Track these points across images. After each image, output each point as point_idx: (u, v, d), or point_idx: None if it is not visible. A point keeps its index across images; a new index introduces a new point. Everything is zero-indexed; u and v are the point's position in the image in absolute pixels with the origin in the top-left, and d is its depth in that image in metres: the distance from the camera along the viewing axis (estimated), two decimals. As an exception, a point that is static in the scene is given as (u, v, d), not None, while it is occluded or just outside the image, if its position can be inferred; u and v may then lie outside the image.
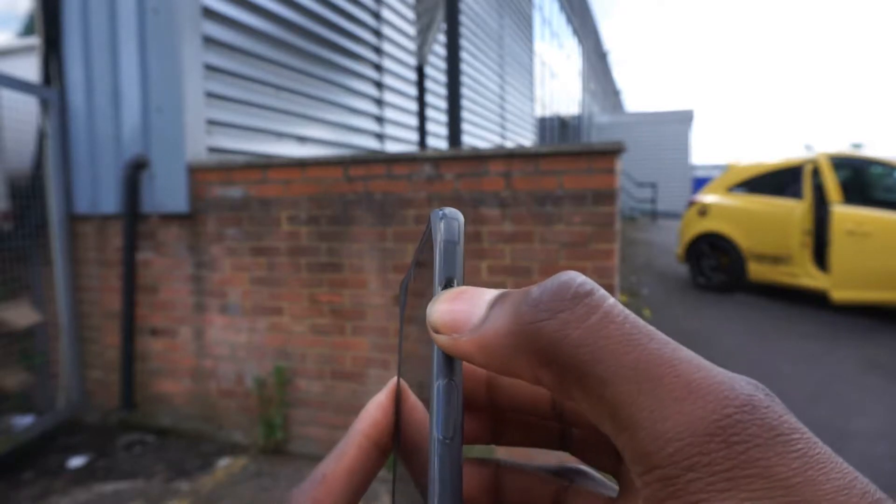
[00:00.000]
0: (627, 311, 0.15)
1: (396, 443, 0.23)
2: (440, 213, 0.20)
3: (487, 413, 0.23)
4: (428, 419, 0.19)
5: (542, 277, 2.29)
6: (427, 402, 0.20)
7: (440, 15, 4.51)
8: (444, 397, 0.18)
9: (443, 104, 5.43)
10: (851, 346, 4.33)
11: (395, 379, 0.24)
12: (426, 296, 0.21)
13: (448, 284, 0.19)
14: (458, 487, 0.18)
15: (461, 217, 0.21)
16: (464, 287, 0.19)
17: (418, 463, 0.21)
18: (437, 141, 5.67)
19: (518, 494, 0.23)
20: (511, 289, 0.18)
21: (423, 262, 0.22)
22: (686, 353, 0.15)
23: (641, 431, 0.14)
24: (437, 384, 0.19)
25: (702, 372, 0.14)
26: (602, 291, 0.16)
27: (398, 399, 0.23)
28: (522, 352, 0.16)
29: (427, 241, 0.21)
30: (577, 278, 0.16)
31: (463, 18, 5.83)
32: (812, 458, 0.13)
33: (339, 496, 0.21)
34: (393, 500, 0.24)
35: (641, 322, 0.15)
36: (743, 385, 0.14)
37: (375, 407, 0.23)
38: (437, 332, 0.18)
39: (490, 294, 0.18)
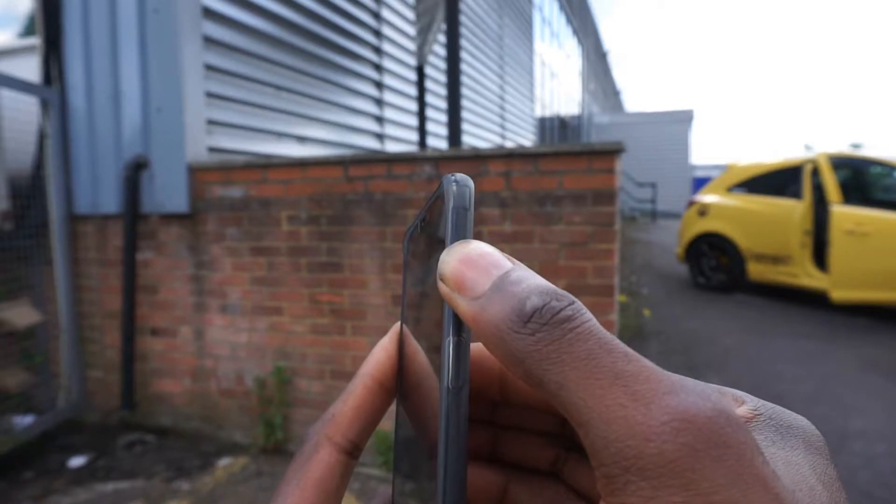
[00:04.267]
0: (598, 332, 0.17)
1: (399, 386, 0.24)
2: (452, 178, 0.22)
3: (489, 430, 0.25)
4: (428, 364, 0.22)
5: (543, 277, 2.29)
6: (434, 349, 0.21)
7: (440, 15, 4.52)
8: (455, 352, 0.20)
9: (443, 104, 5.42)
10: (851, 345, 4.33)
11: (398, 324, 0.26)
12: (426, 257, 0.23)
13: None
14: (465, 435, 0.19)
15: (472, 183, 0.22)
16: (480, 248, 0.20)
17: (418, 404, 0.23)
18: (437, 141, 5.67)
19: (516, 455, 0.24)
20: (518, 267, 0.19)
21: (428, 221, 0.24)
22: (640, 366, 0.16)
23: (592, 432, 0.15)
24: (448, 340, 0.20)
25: (650, 383, 0.15)
26: (582, 314, 0.17)
27: (401, 343, 0.25)
28: (498, 346, 0.18)
29: (435, 203, 0.23)
30: (561, 301, 0.17)
31: (463, 18, 5.83)
32: (740, 478, 0.14)
33: (348, 431, 0.23)
34: (395, 439, 0.26)
35: (608, 340, 0.17)
36: (691, 396, 0.15)
37: (380, 350, 0.24)
38: (443, 281, 0.20)
39: (499, 267, 0.19)
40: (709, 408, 0.15)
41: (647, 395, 0.15)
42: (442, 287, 0.20)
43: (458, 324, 0.20)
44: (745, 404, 0.20)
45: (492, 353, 0.18)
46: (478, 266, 0.19)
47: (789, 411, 0.20)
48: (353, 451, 0.23)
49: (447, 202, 0.21)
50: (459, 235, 0.21)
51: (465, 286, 0.19)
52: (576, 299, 0.18)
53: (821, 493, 0.16)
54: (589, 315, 0.18)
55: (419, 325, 0.24)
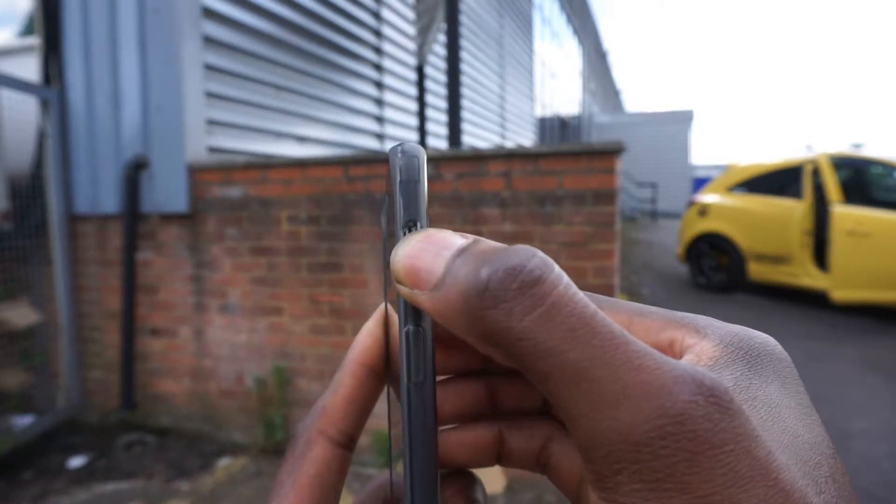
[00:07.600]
0: (576, 300, 0.15)
1: (388, 369, 0.23)
2: (398, 149, 0.19)
3: (484, 381, 0.23)
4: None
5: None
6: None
7: (440, 15, 4.51)
8: (413, 343, 0.18)
9: (443, 104, 5.42)
10: (851, 345, 4.33)
11: (382, 306, 0.23)
12: (391, 238, 0.20)
13: (411, 228, 0.19)
14: (432, 432, 0.18)
15: (422, 153, 0.20)
16: (428, 232, 0.18)
17: None
18: (437, 141, 5.67)
19: (511, 401, 0.23)
20: (478, 241, 0.18)
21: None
22: (631, 351, 0.14)
23: (579, 429, 0.14)
24: (405, 330, 0.18)
25: (642, 374, 0.14)
26: (553, 276, 0.15)
27: (386, 325, 0.23)
28: (470, 331, 0.16)
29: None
30: (527, 262, 0.15)
31: (463, 18, 5.83)
32: (738, 474, 0.13)
33: (341, 423, 0.22)
34: (389, 427, 0.24)
35: (590, 312, 0.15)
36: (683, 390, 0.14)
37: (365, 335, 0.23)
38: (399, 282, 0.18)
39: (451, 247, 0.17)
40: (700, 403, 0.14)
41: (640, 390, 0.14)
42: (401, 289, 0.18)
43: (416, 312, 0.19)
44: (706, 338, 0.18)
45: (473, 344, 0.16)
46: (427, 253, 0.17)
47: (749, 330, 0.19)
48: (348, 444, 0.22)
49: (394, 176, 0.19)
50: (411, 213, 0.19)
51: (419, 279, 0.17)
52: (541, 253, 0.16)
53: (804, 440, 0.16)
54: (560, 274, 0.15)
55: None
